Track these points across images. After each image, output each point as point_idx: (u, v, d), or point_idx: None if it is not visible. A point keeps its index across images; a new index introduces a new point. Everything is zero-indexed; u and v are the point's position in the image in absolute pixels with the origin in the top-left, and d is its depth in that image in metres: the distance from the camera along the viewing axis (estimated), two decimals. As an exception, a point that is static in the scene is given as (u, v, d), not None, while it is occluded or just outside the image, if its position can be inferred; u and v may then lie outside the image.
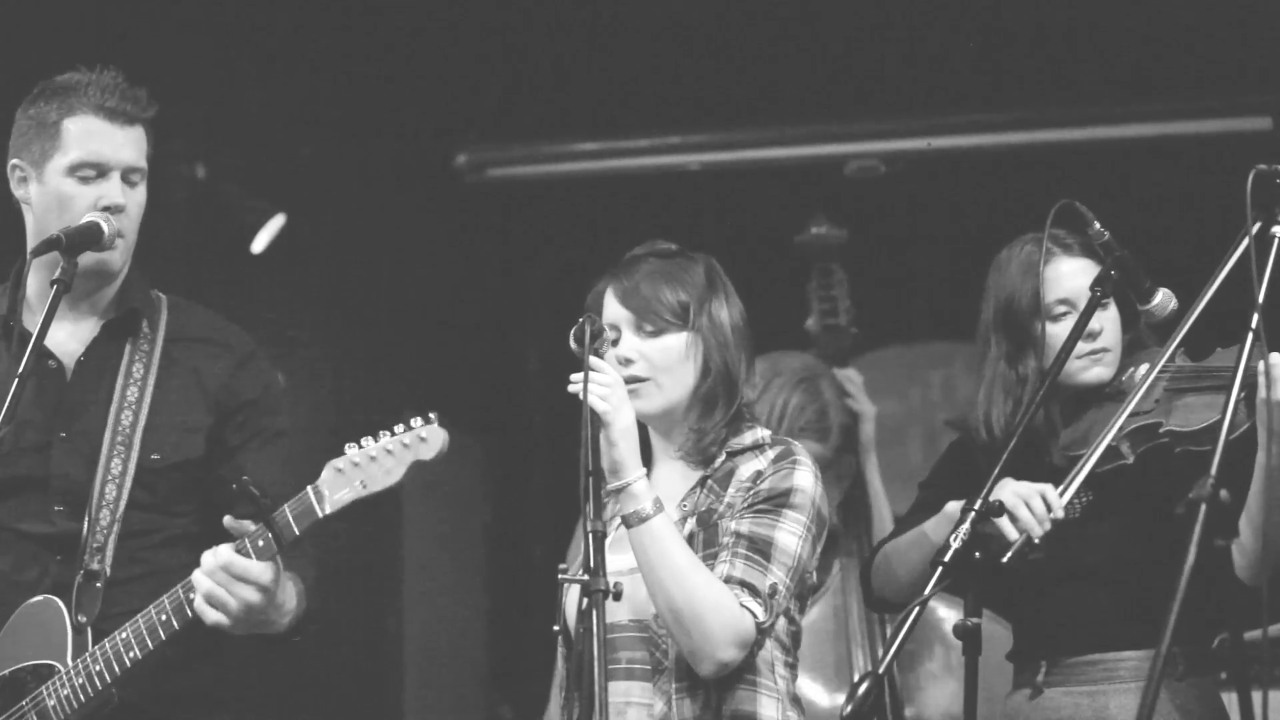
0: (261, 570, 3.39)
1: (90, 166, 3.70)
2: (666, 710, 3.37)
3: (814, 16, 6.02)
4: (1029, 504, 3.49)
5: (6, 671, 3.64)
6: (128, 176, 3.73)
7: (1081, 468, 3.50)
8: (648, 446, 3.54)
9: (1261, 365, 3.34)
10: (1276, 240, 3.29)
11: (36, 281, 3.73)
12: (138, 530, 3.68)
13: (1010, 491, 3.52)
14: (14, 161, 3.77)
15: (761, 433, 3.54)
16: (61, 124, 3.70)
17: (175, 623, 3.47)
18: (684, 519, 3.45)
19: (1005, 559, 3.44)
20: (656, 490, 3.38)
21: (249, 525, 3.40)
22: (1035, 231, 3.79)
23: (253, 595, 3.41)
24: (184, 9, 5.60)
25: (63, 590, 3.64)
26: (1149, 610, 3.02)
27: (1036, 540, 3.48)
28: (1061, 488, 3.50)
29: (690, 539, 3.40)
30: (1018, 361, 3.81)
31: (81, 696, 3.54)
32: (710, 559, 3.38)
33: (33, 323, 3.69)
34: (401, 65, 6.26)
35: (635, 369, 3.47)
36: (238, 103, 6.01)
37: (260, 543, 3.39)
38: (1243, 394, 3.39)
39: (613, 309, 3.54)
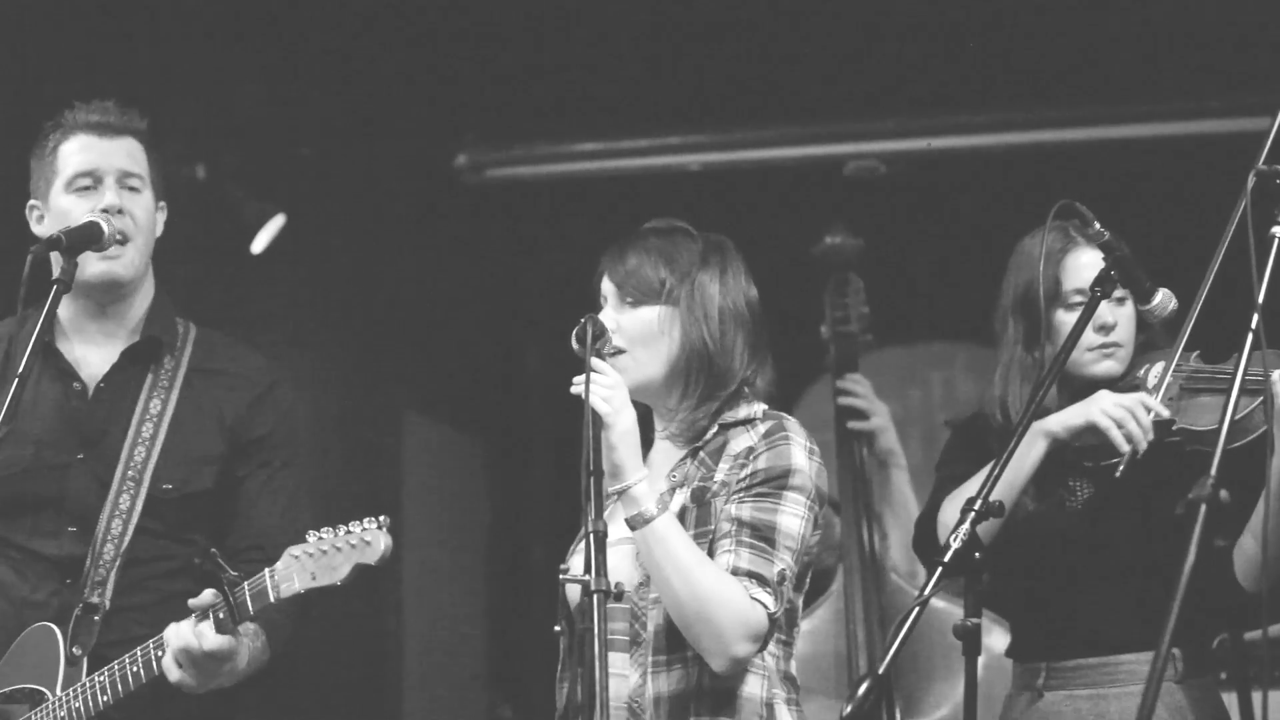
0: (218, 644, 3.46)
1: (84, 176, 3.78)
2: (642, 683, 3.34)
3: (814, 17, 6.02)
4: (1135, 415, 3.56)
5: (7, 689, 3.70)
6: (124, 182, 3.79)
7: (1166, 373, 3.55)
8: (648, 425, 3.50)
9: (1276, 375, 3.38)
10: (1276, 240, 3.29)
11: (68, 307, 3.81)
12: (147, 558, 3.73)
13: (1112, 403, 3.58)
14: (30, 203, 3.88)
15: (757, 406, 3.48)
16: (57, 150, 3.82)
17: (144, 677, 3.54)
18: (673, 489, 3.42)
19: (1118, 473, 3.50)
20: (648, 466, 3.36)
21: (211, 597, 3.46)
22: (1038, 230, 3.80)
23: (213, 666, 3.50)
24: (184, 10, 5.60)
25: (67, 615, 3.69)
26: (1151, 611, 3.01)
27: (1140, 454, 3.53)
28: (1155, 393, 3.57)
29: (682, 514, 3.37)
30: (1033, 346, 3.81)
31: None
32: (703, 538, 3.34)
33: (65, 345, 3.80)
34: (401, 65, 6.26)
35: (613, 340, 3.46)
36: (238, 103, 6.01)
37: (221, 615, 3.45)
38: (1260, 400, 3.41)
39: (604, 282, 3.54)
